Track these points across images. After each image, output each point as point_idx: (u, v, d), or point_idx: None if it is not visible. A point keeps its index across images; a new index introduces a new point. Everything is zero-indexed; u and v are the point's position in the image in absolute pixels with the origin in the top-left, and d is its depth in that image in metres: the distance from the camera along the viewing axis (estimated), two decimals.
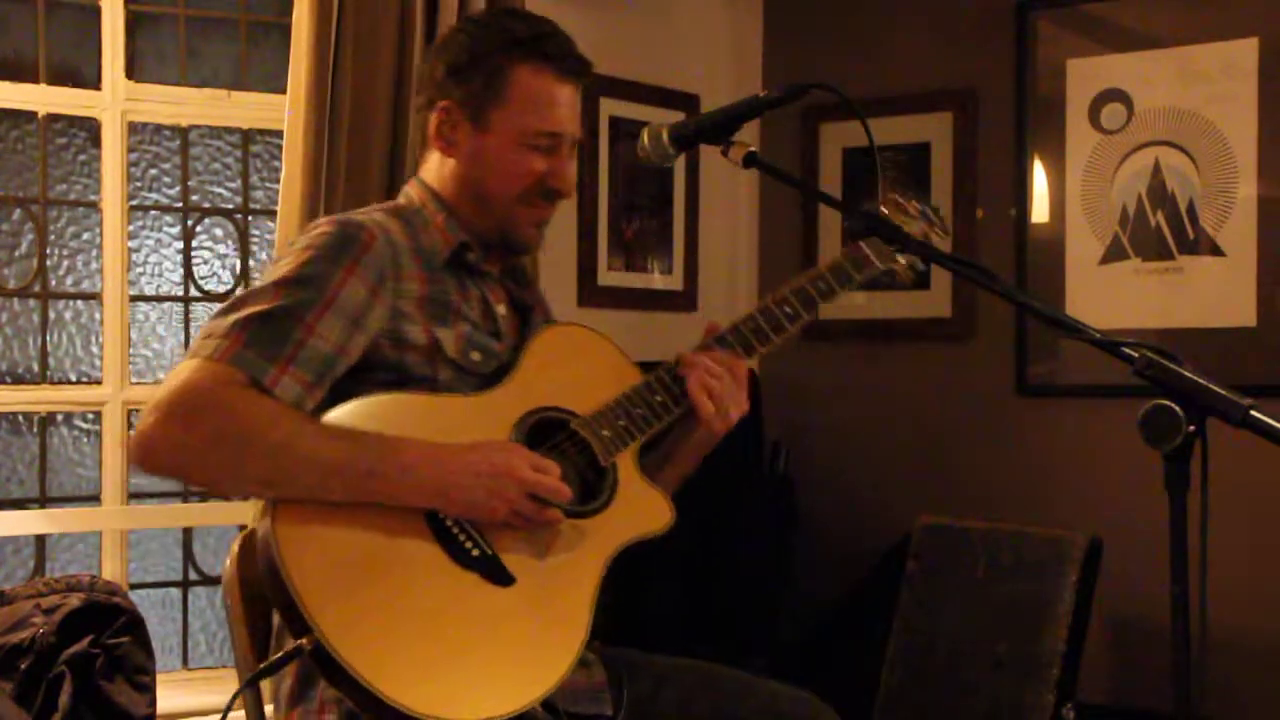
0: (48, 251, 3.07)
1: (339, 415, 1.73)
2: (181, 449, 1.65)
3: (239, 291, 1.78)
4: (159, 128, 3.17)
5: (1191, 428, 1.39)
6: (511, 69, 1.94)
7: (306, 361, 1.72)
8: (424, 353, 1.83)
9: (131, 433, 1.68)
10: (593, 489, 1.86)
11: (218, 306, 1.78)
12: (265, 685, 1.95)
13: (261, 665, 1.74)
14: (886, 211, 2.13)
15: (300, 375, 1.71)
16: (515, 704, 1.65)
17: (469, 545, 1.72)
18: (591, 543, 1.82)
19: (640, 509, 1.88)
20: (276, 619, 1.81)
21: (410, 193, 2.02)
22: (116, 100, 3.03)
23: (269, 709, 1.92)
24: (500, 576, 1.73)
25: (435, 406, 1.80)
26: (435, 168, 2.01)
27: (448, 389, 1.84)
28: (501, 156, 1.94)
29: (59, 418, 3.11)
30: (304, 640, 1.59)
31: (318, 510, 1.66)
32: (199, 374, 1.67)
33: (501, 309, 1.98)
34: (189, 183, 3.22)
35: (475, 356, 1.87)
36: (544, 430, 1.86)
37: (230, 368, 1.67)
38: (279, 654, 1.66)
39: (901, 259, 2.07)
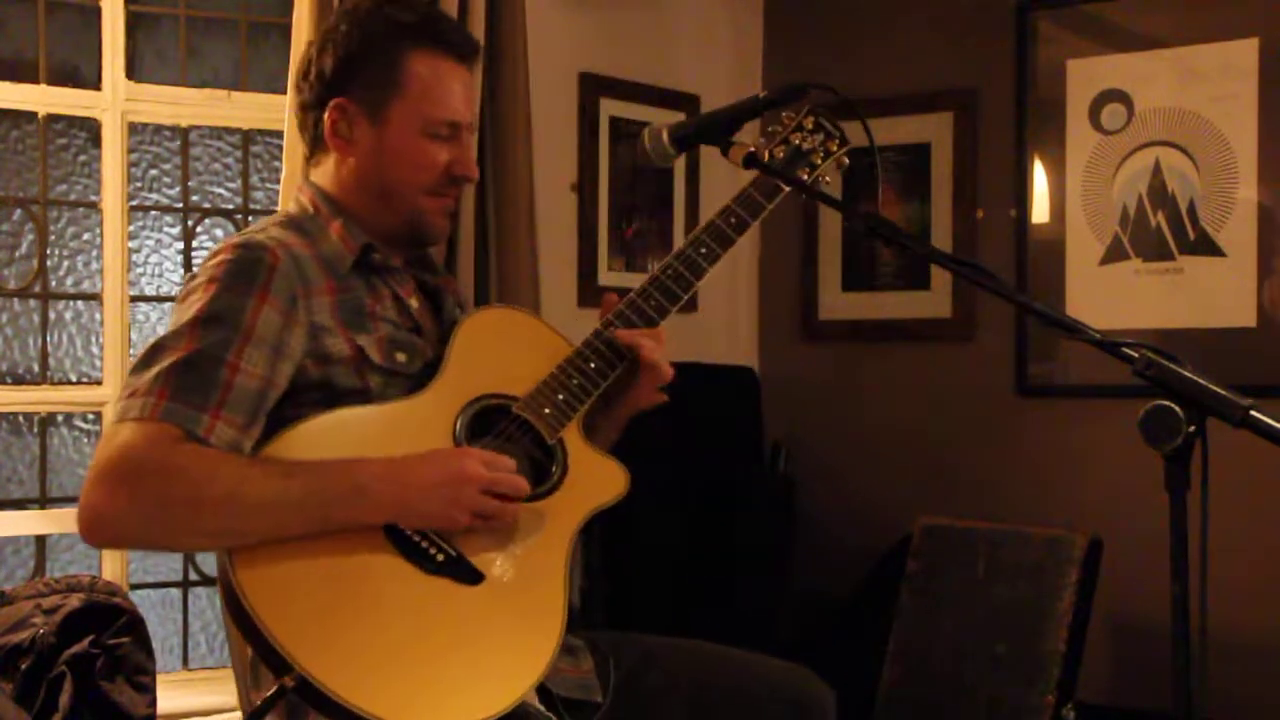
0: (48, 252, 3.07)
1: (280, 448, 1.70)
2: (132, 519, 1.62)
3: (149, 340, 1.75)
4: (159, 128, 3.17)
5: (1191, 428, 1.39)
6: (405, 58, 1.90)
7: (237, 403, 1.69)
8: (350, 363, 1.81)
9: (78, 508, 1.65)
10: (544, 468, 1.85)
11: (133, 366, 1.73)
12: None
13: (250, 714, 1.73)
14: (781, 130, 2.09)
15: (233, 418, 1.68)
16: (507, 699, 1.66)
17: (432, 551, 1.72)
18: (553, 524, 1.81)
19: (594, 480, 1.87)
20: (251, 652, 1.78)
21: (302, 200, 1.97)
22: (116, 100, 3.03)
23: None
24: (469, 576, 1.72)
25: (374, 417, 1.78)
26: (329, 169, 1.96)
27: (380, 396, 1.82)
28: (404, 149, 1.91)
29: (59, 418, 3.11)
30: (286, 679, 1.59)
31: (275, 548, 1.64)
32: (132, 437, 1.63)
33: (414, 302, 1.96)
34: (189, 183, 3.22)
35: (401, 357, 1.85)
36: (486, 418, 1.84)
37: (162, 424, 1.63)
38: (265, 698, 1.65)
39: (804, 172, 2.06)
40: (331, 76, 1.92)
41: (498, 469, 1.74)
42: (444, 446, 1.78)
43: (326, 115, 1.92)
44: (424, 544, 1.71)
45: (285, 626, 1.60)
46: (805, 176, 2.05)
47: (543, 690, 1.78)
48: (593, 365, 1.91)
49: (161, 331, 1.77)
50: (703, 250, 1.99)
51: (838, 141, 2.10)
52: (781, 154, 2.06)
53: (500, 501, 1.73)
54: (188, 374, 1.68)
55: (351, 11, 1.99)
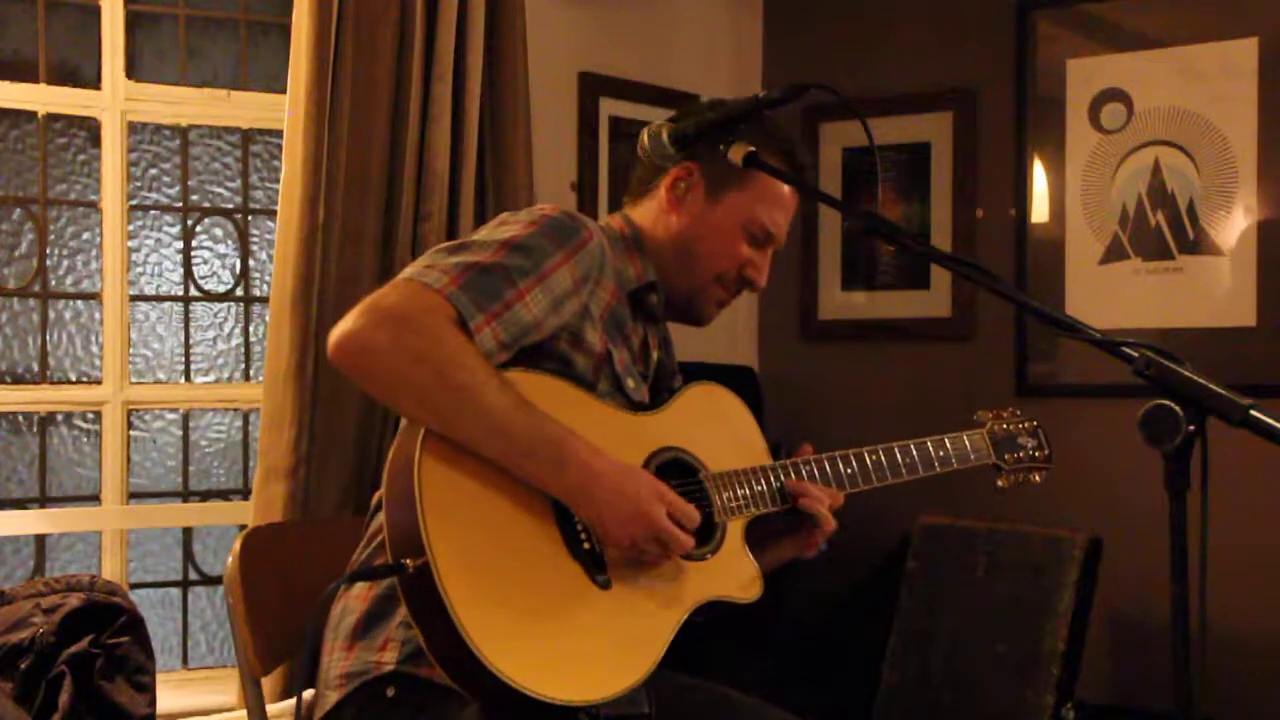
0: (48, 251, 3.07)
1: (519, 379, 1.77)
2: (383, 355, 1.69)
3: (460, 239, 1.85)
4: (159, 128, 3.17)
5: (1191, 428, 1.39)
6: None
7: (509, 323, 1.76)
8: (594, 359, 1.89)
9: (335, 329, 1.73)
10: (700, 540, 1.89)
11: (434, 249, 1.81)
12: (267, 683, 1.95)
13: (356, 571, 1.80)
14: (988, 420, 2.26)
15: (499, 333, 1.75)
16: (587, 693, 1.69)
17: (583, 537, 1.77)
18: (687, 583, 1.87)
19: (736, 573, 1.94)
20: (367, 550, 1.82)
21: (611, 223, 2.07)
22: (116, 100, 3.03)
23: (272, 706, 1.92)
24: (600, 577, 1.77)
25: (593, 408, 1.86)
26: (646, 214, 2.06)
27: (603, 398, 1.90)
28: (722, 233, 2.02)
29: (59, 418, 3.11)
30: (410, 561, 1.62)
31: (464, 456, 1.70)
32: (417, 295, 1.72)
33: (655, 355, 2.06)
34: (189, 183, 3.22)
35: (630, 383, 1.94)
36: (673, 469, 1.91)
37: (445, 301, 1.71)
38: (377, 566, 1.71)
39: (1003, 480, 2.24)
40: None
41: (680, 520, 1.80)
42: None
43: (673, 171, 2.02)
44: (579, 526, 1.77)
45: (436, 514, 1.64)
46: (1004, 468, 2.23)
47: (594, 713, 1.80)
48: (778, 485, 2.00)
49: (469, 236, 1.85)
50: (907, 460, 2.13)
51: (1044, 462, 2.27)
52: (1001, 431, 2.24)
53: (660, 550, 1.79)
54: (484, 277, 1.75)
55: (747, 99, 2.03)
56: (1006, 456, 2.23)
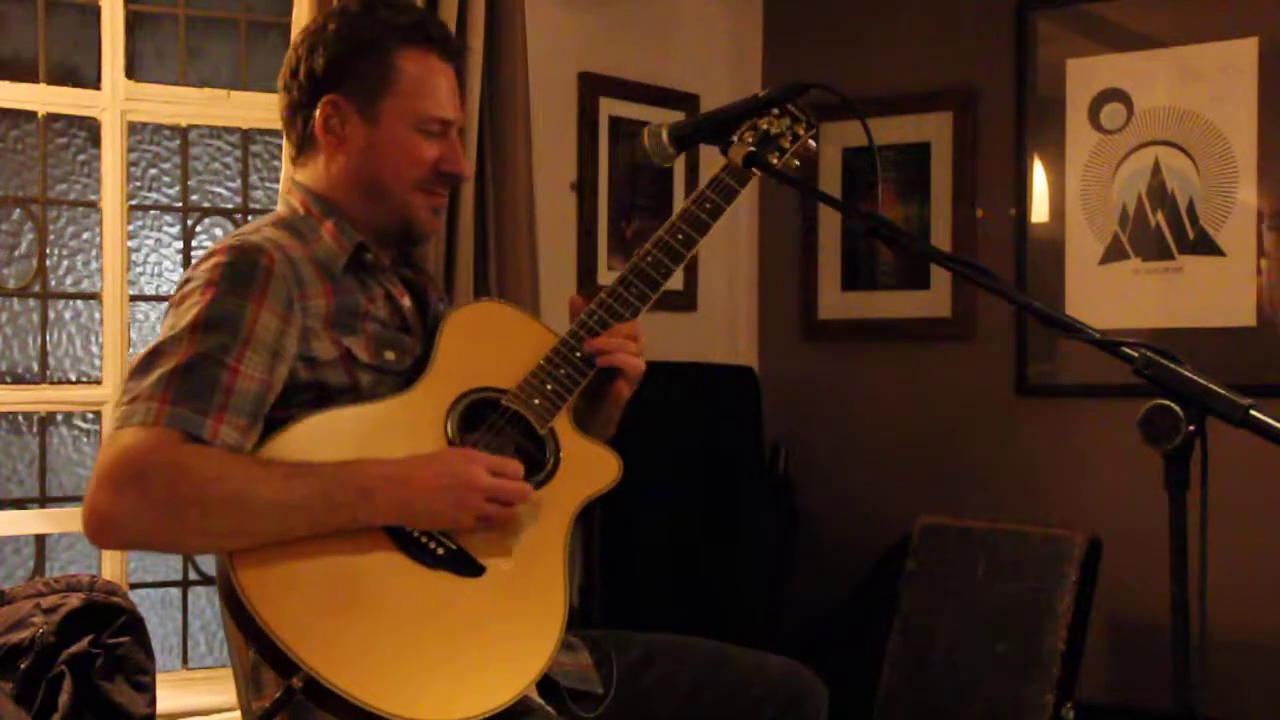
0: (47, 251, 3.07)
1: (277, 449, 1.71)
2: (139, 521, 1.63)
3: (147, 346, 1.75)
4: (159, 127, 3.17)
5: (1191, 428, 1.39)
6: (397, 56, 1.92)
7: (239, 406, 1.70)
8: (339, 365, 1.82)
9: (83, 511, 1.66)
10: (536, 459, 1.86)
11: (131, 371, 1.74)
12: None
13: (261, 715, 1.73)
14: (756, 122, 2.04)
15: (236, 421, 1.69)
16: (513, 690, 1.67)
17: (433, 546, 1.73)
18: (549, 512, 1.82)
19: (587, 467, 1.89)
20: (252, 655, 1.78)
21: (292, 201, 1.99)
22: (116, 100, 3.03)
23: None
24: (469, 568, 1.74)
25: (366, 415, 1.80)
26: (318, 169, 1.98)
27: (371, 394, 1.83)
28: (395, 145, 1.93)
29: (59, 418, 3.11)
30: (294, 680, 1.59)
31: (274, 549, 1.65)
32: (136, 440, 1.63)
33: (406, 301, 1.97)
34: (189, 182, 3.22)
35: (390, 355, 1.87)
36: (477, 412, 1.86)
37: (166, 429, 1.64)
38: (274, 700, 1.65)
39: (787, 145, 2.02)
40: (323, 74, 1.93)
41: (503, 474, 1.75)
42: (437, 442, 1.80)
43: (318, 112, 1.94)
44: (424, 539, 1.73)
45: (289, 626, 1.60)
46: (775, 160, 2.01)
47: (545, 682, 1.79)
48: (578, 354, 1.92)
49: (158, 335, 1.77)
50: (679, 237, 1.97)
51: (804, 125, 2.06)
52: (750, 138, 2.02)
53: (504, 507, 1.75)
54: (189, 378, 1.68)
55: (340, 12, 2.01)
56: (770, 157, 2.00)
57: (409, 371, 1.87)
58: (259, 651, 1.66)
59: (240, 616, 1.63)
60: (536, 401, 1.87)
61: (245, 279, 1.77)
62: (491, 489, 1.73)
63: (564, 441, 1.89)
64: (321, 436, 1.74)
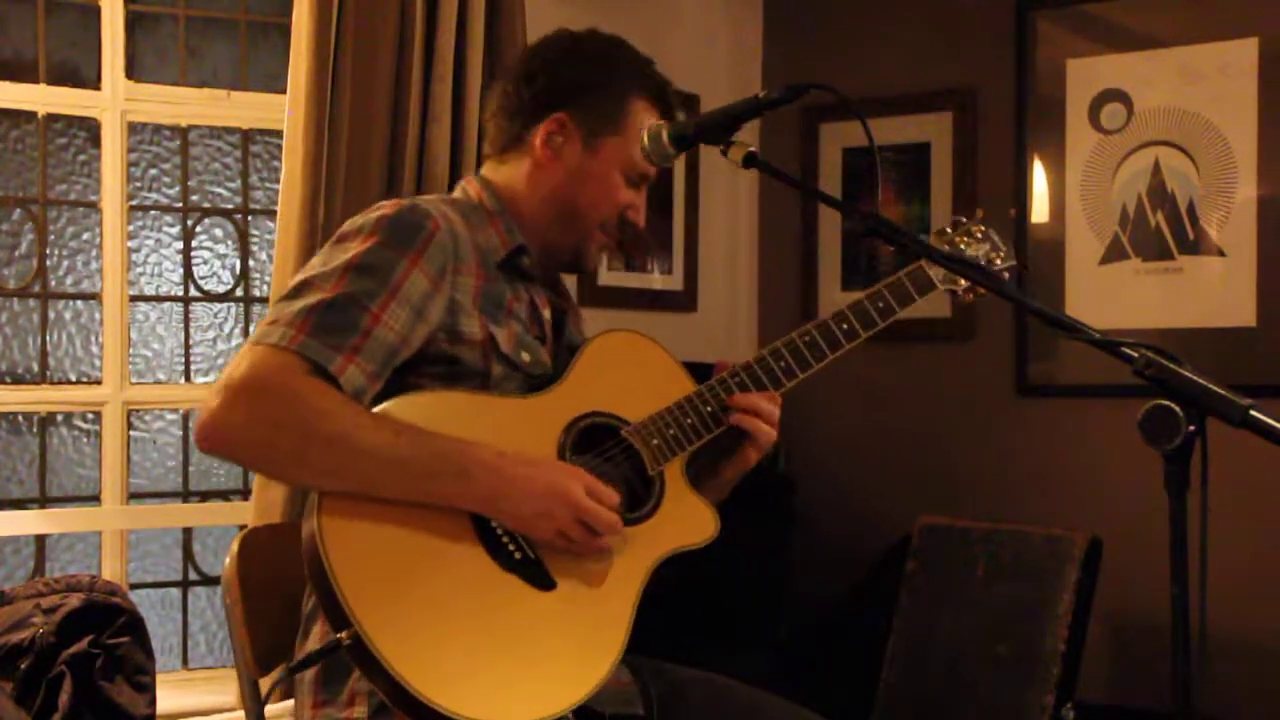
0: (48, 251, 3.07)
1: (395, 409, 1.72)
2: (245, 434, 1.66)
3: (300, 275, 1.78)
4: (159, 128, 3.17)
5: (1191, 428, 1.39)
6: (632, 101, 1.99)
7: (371, 351, 1.72)
8: (479, 347, 1.83)
9: (196, 413, 1.71)
10: (640, 497, 1.85)
11: (283, 290, 1.78)
12: (265, 684, 1.94)
13: (299, 658, 1.75)
14: (950, 231, 2.13)
15: (365, 365, 1.71)
16: (552, 708, 1.65)
17: (512, 548, 1.72)
18: (635, 551, 1.81)
19: (685, 519, 1.88)
20: (310, 604, 1.80)
21: (468, 189, 2.02)
22: (116, 100, 3.03)
23: (270, 707, 1.91)
24: (541, 581, 1.73)
25: (487, 406, 1.80)
26: (512, 172, 2.00)
27: (499, 386, 1.84)
28: (602, 180, 1.97)
29: (59, 418, 3.11)
30: (343, 634, 1.59)
31: (364, 504, 1.66)
32: (265, 360, 1.67)
33: (547, 314, 1.98)
34: (189, 183, 3.22)
35: (525, 357, 1.87)
36: (593, 436, 1.85)
37: (296, 356, 1.67)
38: (318, 647, 1.66)
39: (962, 280, 2.03)
40: (564, 90, 1.98)
41: (599, 500, 1.74)
42: (549, 452, 1.80)
43: (544, 124, 1.97)
44: (506, 540, 1.72)
45: (352, 580, 1.61)
46: (958, 291, 2.05)
47: (588, 713, 1.76)
48: (709, 409, 1.92)
49: (309, 268, 1.79)
50: (844, 327, 1.99)
51: (1002, 256, 2.12)
52: (947, 249, 2.08)
53: (588, 533, 1.74)
54: (330, 314, 1.71)
55: (591, 37, 2.09)
56: (960, 280, 2.02)
57: (536, 380, 1.88)
58: (318, 596, 1.66)
59: (311, 558, 1.64)
60: (655, 441, 1.87)
61: (407, 236, 1.79)
62: (582, 510, 1.72)
63: (670, 488, 1.88)
64: (439, 412, 1.75)
